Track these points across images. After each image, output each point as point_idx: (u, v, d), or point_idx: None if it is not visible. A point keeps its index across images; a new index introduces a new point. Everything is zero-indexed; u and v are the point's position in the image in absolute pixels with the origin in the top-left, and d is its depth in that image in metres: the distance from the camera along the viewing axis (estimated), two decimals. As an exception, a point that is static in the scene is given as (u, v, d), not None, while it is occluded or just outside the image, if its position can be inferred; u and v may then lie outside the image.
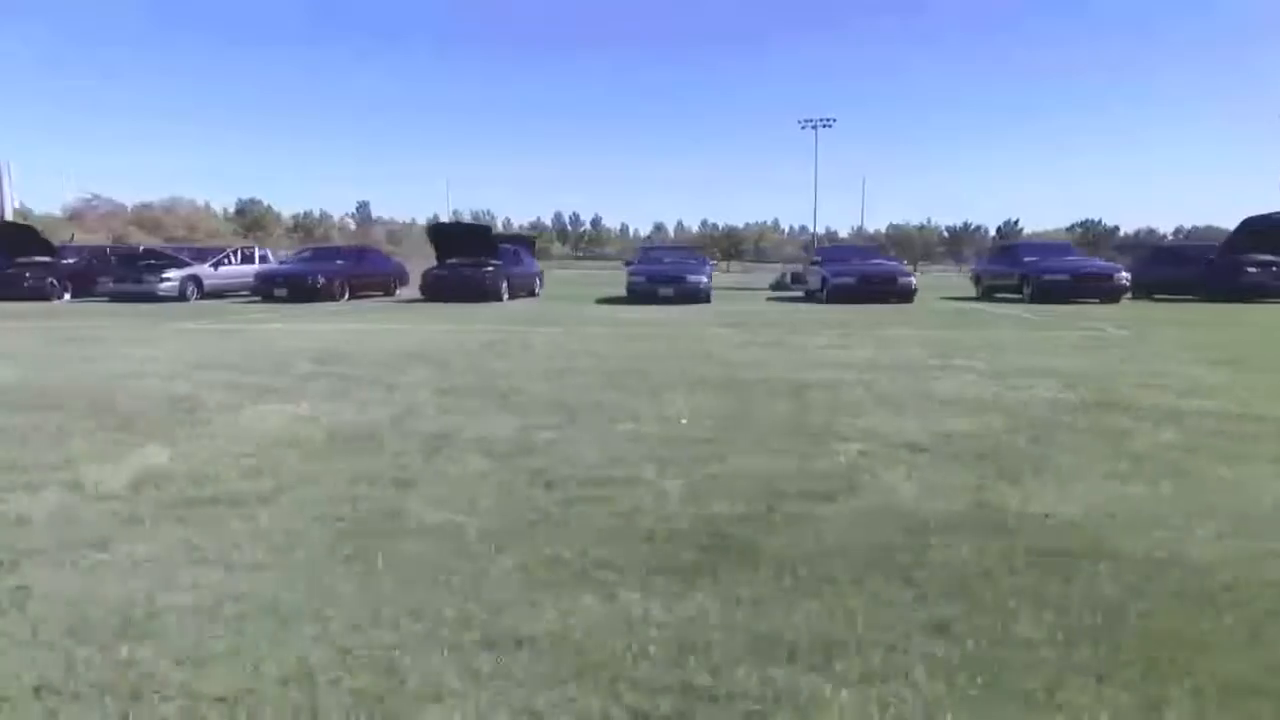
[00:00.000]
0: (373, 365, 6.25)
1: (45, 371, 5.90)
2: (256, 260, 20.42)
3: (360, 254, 20.07)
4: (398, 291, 20.48)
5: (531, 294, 19.82)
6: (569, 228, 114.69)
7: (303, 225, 64.67)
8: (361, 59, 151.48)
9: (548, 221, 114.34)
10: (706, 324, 11.03)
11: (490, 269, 17.46)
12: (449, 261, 17.75)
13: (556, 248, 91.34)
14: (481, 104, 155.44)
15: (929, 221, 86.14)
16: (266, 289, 17.49)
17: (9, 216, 33.71)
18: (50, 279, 18.22)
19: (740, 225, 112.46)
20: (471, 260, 17.60)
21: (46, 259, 18.66)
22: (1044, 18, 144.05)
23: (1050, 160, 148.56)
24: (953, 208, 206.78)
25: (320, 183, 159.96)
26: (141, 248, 19.04)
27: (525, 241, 22.13)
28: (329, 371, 5.89)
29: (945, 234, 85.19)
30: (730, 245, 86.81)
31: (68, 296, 18.43)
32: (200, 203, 61.40)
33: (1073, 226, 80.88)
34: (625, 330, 9.87)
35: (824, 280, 16.90)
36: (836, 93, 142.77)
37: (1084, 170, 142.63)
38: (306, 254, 20.69)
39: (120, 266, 18.29)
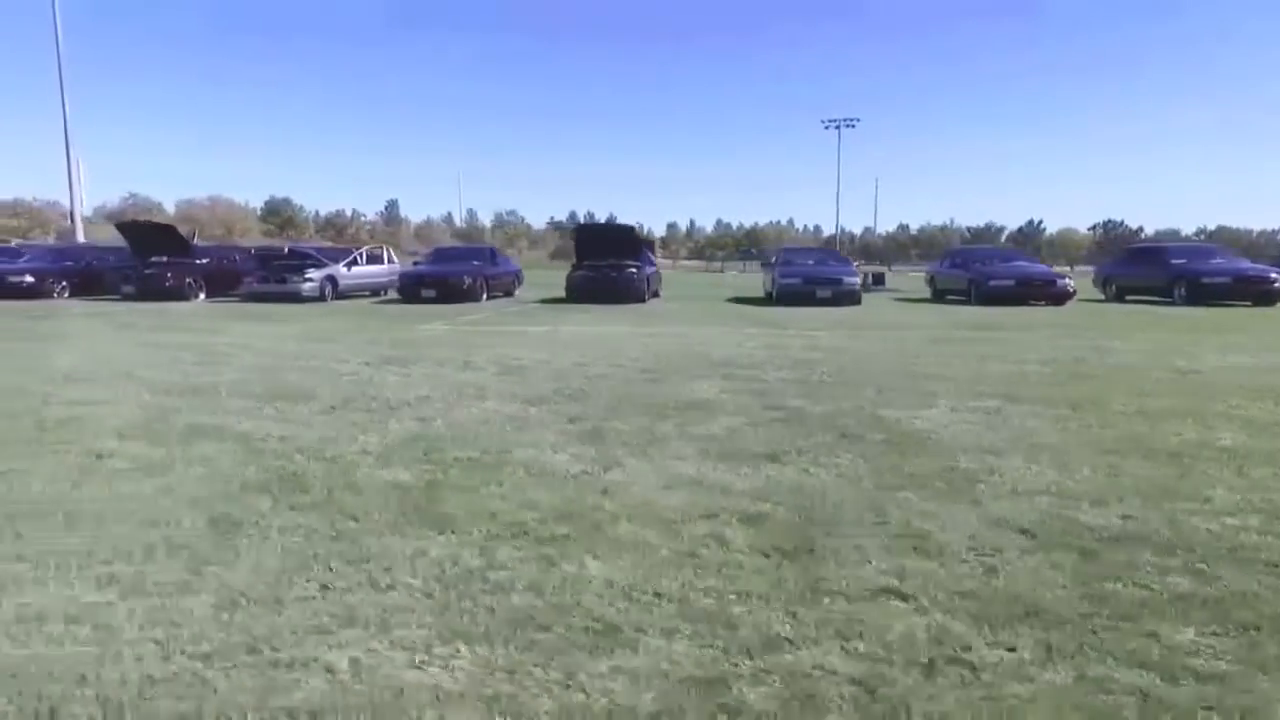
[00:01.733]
0: (803, 372, 6.33)
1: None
2: (385, 261, 20.41)
3: (491, 255, 20.07)
4: (516, 292, 20.52)
5: (655, 294, 19.88)
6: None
7: (333, 224, 64.37)
8: (378, 55, 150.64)
9: (562, 220, 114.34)
10: (950, 327, 11.09)
11: (634, 270, 17.50)
12: (592, 263, 17.76)
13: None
14: (497, 102, 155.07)
15: (951, 222, 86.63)
16: (413, 290, 17.43)
17: (80, 215, 33.51)
18: (189, 278, 18.15)
19: (752, 225, 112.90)
20: (613, 262, 17.64)
21: (183, 259, 18.55)
22: (1062, 13, 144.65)
23: (1065, 160, 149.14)
24: (960, 208, 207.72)
25: (347, 182, 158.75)
26: (286, 248, 18.89)
27: (646, 243, 22.17)
28: (804, 379, 5.96)
29: (967, 233, 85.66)
30: (751, 245, 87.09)
31: (203, 296, 18.36)
32: (240, 201, 60.85)
33: (1094, 227, 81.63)
34: (899, 334, 9.94)
35: (972, 283, 17.03)
36: (849, 91, 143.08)
37: (1101, 170, 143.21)
38: (434, 256, 20.67)
39: (263, 266, 18.21)
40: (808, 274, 16.80)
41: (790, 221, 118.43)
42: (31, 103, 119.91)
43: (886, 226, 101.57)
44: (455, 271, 17.81)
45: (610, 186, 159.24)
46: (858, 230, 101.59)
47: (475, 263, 18.99)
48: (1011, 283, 16.26)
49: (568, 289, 17.62)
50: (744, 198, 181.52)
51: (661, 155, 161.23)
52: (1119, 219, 78.82)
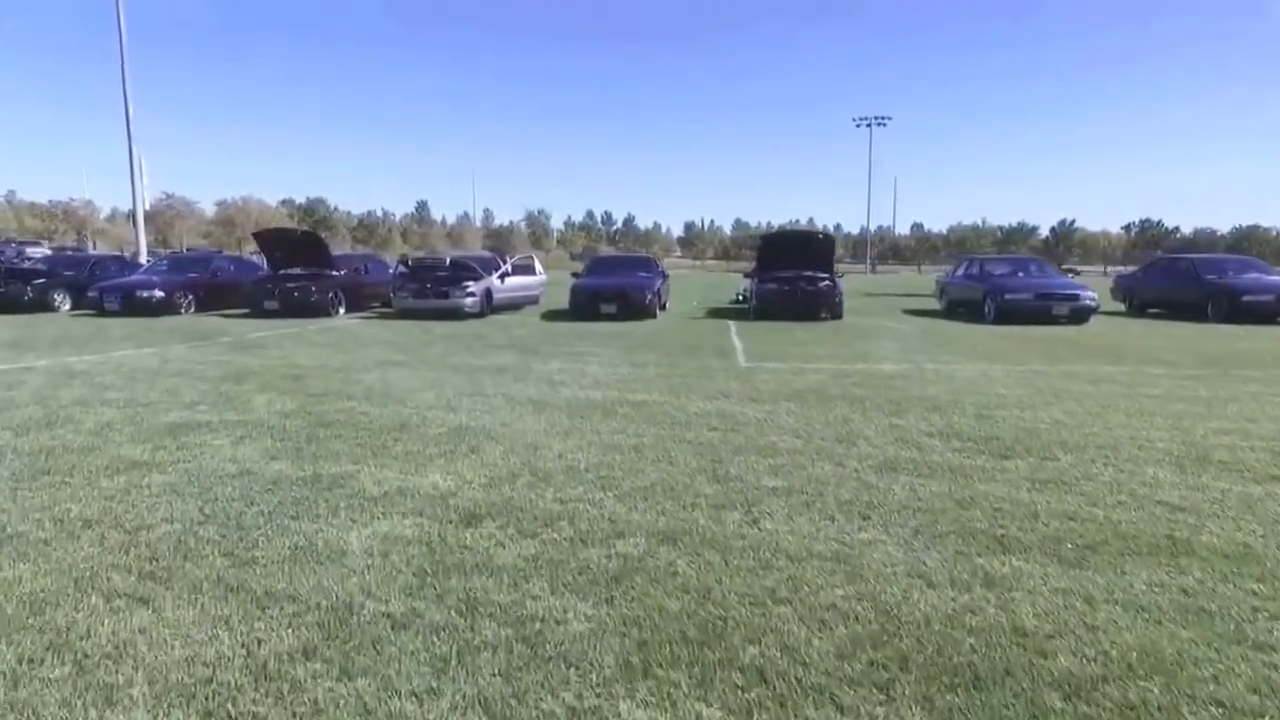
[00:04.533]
0: None
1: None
2: (534, 272, 18.62)
3: (656, 266, 18.44)
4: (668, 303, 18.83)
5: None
6: (602, 226, 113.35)
7: (364, 225, 61.87)
8: (396, 54, 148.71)
9: (579, 219, 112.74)
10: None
11: (829, 282, 15.84)
12: (780, 274, 16.03)
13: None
14: (510, 101, 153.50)
15: (984, 222, 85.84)
16: (590, 305, 15.68)
17: (141, 213, 31.58)
18: (331, 292, 16.37)
19: (767, 223, 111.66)
20: (804, 273, 15.98)
21: (322, 271, 16.75)
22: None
23: (1094, 159, 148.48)
24: (963, 209, 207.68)
25: (370, 181, 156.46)
26: (449, 258, 17.02)
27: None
28: None
29: (999, 234, 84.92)
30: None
31: (342, 311, 16.58)
32: (271, 203, 58.48)
33: (1129, 227, 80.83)
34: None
35: (1216, 298, 15.31)
36: (863, 90, 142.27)
37: (1130, 169, 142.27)
38: (594, 266, 18.96)
39: (418, 279, 16.29)
40: (1039, 288, 15.13)
41: (811, 220, 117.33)
42: (56, 102, 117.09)
43: (902, 227, 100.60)
44: (636, 284, 16.16)
45: (625, 186, 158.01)
46: (871, 230, 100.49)
47: (643, 274, 17.34)
48: (1272, 298, 14.70)
49: (756, 302, 15.95)
50: (760, 196, 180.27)
51: (676, 154, 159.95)
52: (1156, 218, 77.90)
